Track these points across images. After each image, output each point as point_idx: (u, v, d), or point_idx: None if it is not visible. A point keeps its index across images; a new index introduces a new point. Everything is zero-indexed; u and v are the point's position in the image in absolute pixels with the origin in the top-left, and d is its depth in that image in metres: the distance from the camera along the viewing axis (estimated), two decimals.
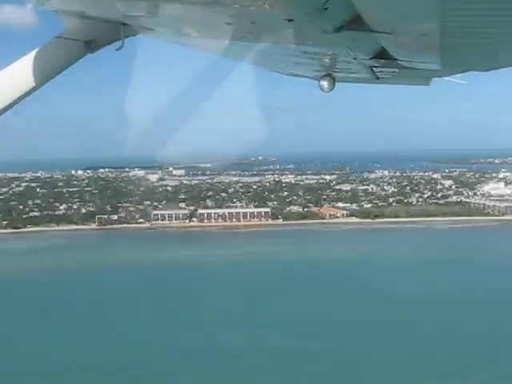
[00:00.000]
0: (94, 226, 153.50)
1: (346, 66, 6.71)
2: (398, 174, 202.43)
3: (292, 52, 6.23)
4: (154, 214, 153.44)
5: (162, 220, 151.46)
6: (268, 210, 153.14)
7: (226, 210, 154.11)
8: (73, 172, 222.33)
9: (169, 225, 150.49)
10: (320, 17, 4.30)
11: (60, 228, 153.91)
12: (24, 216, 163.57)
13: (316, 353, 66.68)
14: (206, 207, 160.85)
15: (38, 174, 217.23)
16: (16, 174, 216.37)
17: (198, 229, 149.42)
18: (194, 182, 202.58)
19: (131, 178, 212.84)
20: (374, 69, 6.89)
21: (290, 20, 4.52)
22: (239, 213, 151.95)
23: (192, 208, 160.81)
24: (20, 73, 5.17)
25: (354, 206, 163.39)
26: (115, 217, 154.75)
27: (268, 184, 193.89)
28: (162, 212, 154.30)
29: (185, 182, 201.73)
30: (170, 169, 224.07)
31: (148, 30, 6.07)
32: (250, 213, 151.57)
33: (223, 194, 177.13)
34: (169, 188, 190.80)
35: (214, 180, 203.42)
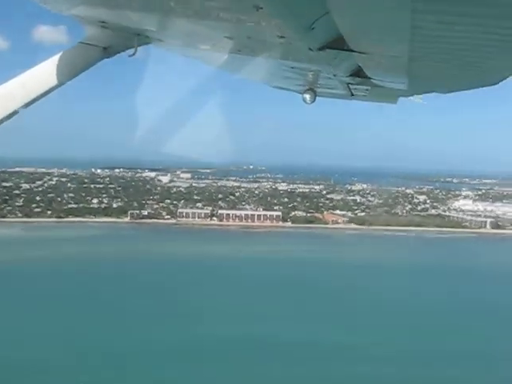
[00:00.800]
0: (127, 219, 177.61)
1: (326, 81, 7.47)
2: (375, 187, 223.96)
3: (281, 66, 6.81)
4: (180, 212, 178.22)
5: (186, 217, 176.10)
6: (279, 213, 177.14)
7: (243, 212, 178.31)
8: (92, 170, 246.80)
9: (192, 222, 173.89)
10: (307, 35, 4.87)
11: (97, 220, 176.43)
12: (63, 207, 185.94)
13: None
14: (221, 208, 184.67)
15: (63, 171, 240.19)
16: (44, 170, 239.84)
17: (217, 227, 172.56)
18: (201, 184, 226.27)
19: (146, 178, 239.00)
20: (349, 86, 7.66)
21: (281, 37, 5.03)
22: (254, 215, 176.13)
23: (210, 208, 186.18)
24: (46, 72, 5.90)
25: (349, 213, 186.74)
26: (145, 212, 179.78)
27: (267, 190, 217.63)
28: (187, 210, 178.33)
29: (194, 184, 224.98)
30: (178, 172, 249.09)
31: (159, 41, 6.58)
32: (263, 215, 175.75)
33: (232, 197, 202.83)
34: (181, 189, 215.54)
35: (219, 184, 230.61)
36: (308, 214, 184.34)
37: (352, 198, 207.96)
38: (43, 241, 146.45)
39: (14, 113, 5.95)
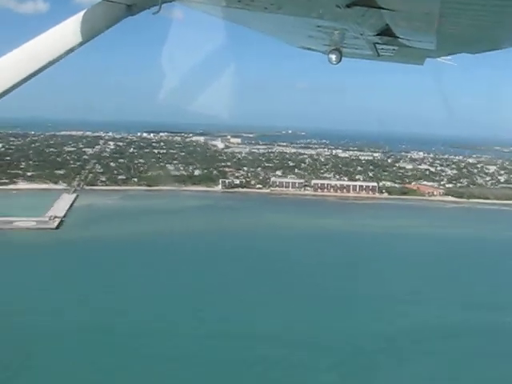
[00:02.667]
0: (218, 188, 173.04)
1: (352, 41, 7.24)
2: (431, 155, 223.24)
3: (307, 25, 6.67)
4: (273, 182, 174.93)
5: (279, 187, 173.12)
6: (375, 184, 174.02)
7: (338, 182, 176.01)
8: (139, 134, 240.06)
9: (286, 191, 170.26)
10: None
11: (188, 188, 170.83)
12: (144, 174, 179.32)
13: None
14: (318, 178, 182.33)
15: (110, 134, 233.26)
16: (89, 133, 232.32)
17: (312, 197, 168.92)
18: (261, 150, 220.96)
19: (198, 143, 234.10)
20: (376, 45, 7.48)
21: None
22: (349, 185, 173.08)
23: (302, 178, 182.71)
24: (69, 30, 5.89)
25: (435, 184, 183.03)
26: (237, 181, 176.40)
27: (322, 158, 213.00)
28: (280, 179, 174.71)
29: (253, 150, 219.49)
30: (228, 137, 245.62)
31: None
32: (359, 186, 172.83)
33: (304, 165, 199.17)
34: (244, 155, 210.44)
35: (274, 150, 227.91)
36: (397, 185, 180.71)
37: (423, 167, 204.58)
38: (152, 212, 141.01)
39: (39, 71, 5.93)
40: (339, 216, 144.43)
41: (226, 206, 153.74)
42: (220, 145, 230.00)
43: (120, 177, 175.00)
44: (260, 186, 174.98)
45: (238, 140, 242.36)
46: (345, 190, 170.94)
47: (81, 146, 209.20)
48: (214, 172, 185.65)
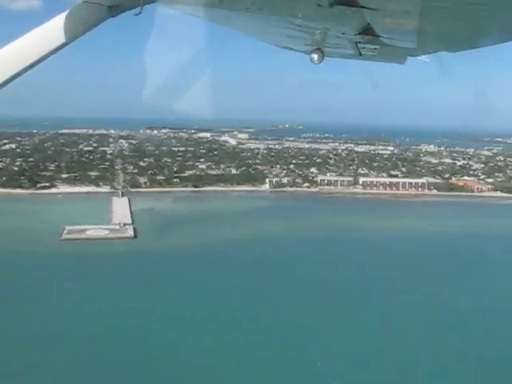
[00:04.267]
0: (265, 187, 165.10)
1: (334, 40, 7.31)
2: (442, 148, 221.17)
3: (288, 25, 6.66)
4: (321, 180, 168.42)
5: (328, 185, 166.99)
6: (424, 181, 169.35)
7: (387, 179, 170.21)
8: (141, 131, 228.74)
9: (334, 190, 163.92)
10: None
11: (236, 188, 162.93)
12: (182, 174, 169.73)
13: None
14: (353, 174, 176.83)
15: (115, 131, 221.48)
16: (91, 131, 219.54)
17: (365, 196, 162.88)
18: (276, 146, 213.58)
19: (208, 140, 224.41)
20: (358, 45, 7.54)
21: None
22: (398, 182, 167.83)
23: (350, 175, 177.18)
24: (50, 31, 5.78)
25: (475, 180, 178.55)
26: (284, 180, 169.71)
27: (343, 153, 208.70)
28: (328, 178, 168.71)
29: (270, 146, 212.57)
30: (235, 132, 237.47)
31: None
32: (408, 183, 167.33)
33: (330, 161, 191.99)
34: (263, 151, 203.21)
35: (286, 145, 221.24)
36: (438, 181, 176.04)
37: (447, 160, 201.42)
38: (216, 216, 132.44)
39: (19, 74, 5.87)
40: (411, 215, 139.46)
41: (286, 206, 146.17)
42: (231, 141, 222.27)
43: (159, 177, 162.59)
44: (307, 184, 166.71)
45: (246, 135, 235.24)
46: (394, 188, 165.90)
47: (94, 144, 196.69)
48: (250, 170, 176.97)
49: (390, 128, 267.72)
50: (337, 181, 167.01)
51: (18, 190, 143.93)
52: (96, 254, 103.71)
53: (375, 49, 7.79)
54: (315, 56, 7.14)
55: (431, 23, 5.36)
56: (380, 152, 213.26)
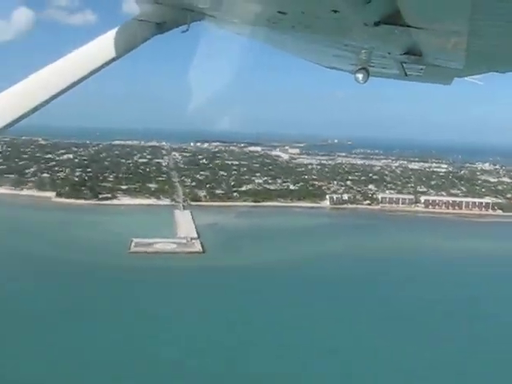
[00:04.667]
0: (325, 203, 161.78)
1: (380, 60, 7.29)
2: (506, 167, 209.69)
3: (334, 44, 6.71)
4: (382, 197, 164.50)
5: (389, 203, 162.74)
6: (489, 201, 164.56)
7: (450, 198, 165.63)
8: (192, 144, 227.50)
9: (396, 208, 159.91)
10: (363, 10, 4.83)
11: (296, 204, 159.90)
12: (239, 189, 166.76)
13: None
14: (410, 192, 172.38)
15: (164, 144, 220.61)
16: (143, 143, 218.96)
17: (428, 215, 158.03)
18: (329, 162, 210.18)
19: (261, 154, 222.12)
20: (404, 65, 7.45)
21: (336, 11, 4.98)
22: (461, 202, 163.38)
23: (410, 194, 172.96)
24: (102, 46, 6.02)
25: None
26: (345, 197, 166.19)
27: (397, 170, 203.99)
28: (390, 196, 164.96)
29: (323, 161, 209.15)
30: (287, 147, 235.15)
31: (211, 17, 6.64)
32: (472, 202, 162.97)
33: (386, 178, 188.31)
34: (317, 167, 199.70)
35: (338, 161, 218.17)
36: (500, 200, 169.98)
37: (505, 179, 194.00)
38: (281, 232, 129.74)
39: (71, 86, 5.91)
40: (480, 236, 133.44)
41: (350, 224, 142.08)
42: (284, 155, 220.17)
43: (217, 191, 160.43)
44: (368, 201, 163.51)
45: (297, 150, 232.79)
46: (457, 207, 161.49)
47: (148, 156, 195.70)
48: (308, 186, 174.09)
49: (440, 144, 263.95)
50: (398, 199, 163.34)
51: (81, 201, 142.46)
52: (167, 269, 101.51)
53: (421, 69, 7.67)
54: (360, 76, 7.09)
55: (479, 43, 5.17)
56: (435, 170, 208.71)
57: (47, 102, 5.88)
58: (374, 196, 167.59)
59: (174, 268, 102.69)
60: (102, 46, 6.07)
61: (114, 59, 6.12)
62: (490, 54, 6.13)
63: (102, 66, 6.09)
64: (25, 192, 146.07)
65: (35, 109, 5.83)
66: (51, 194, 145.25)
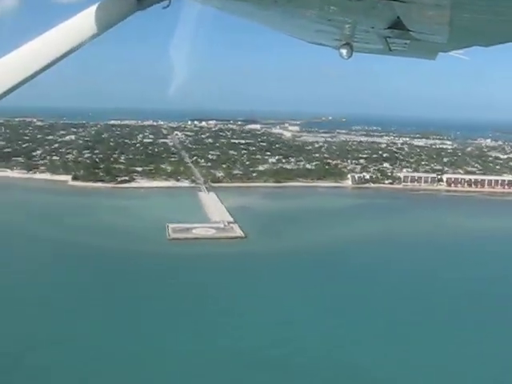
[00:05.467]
0: (347, 183, 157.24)
1: (363, 35, 7.23)
2: (509, 143, 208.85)
3: (317, 19, 6.60)
4: (405, 176, 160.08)
5: (411, 182, 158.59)
6: (511, 178, 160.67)
7: (472, 177, 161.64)
8: (189, 122, 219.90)
9: (418, 187, 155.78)
10: None
11: (318, 184, 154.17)
12: (256, 168, 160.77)
13: None
14: (426, 170, 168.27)
15: (161, 123, 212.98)
16: (132, 121, 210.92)
17: (452, 193, 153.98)
18: (333, 139, 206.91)
19: (262, 132, 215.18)
20: (388, 40, 7.36)
21: None
22: (484, 180, 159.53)
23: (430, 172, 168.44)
24: (80, 23, 5.87)
25: None
26: (367, 176, 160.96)
27: (404, 147, 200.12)
28: (412, 174, 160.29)
29: (328, 139, 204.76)
30: (286, 125, 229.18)
31: None
32: (494, 180, 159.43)
33: (398, 156, 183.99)
34: (323, 144, 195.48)
35: (341, 139, 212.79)
36: None
37: None
38: (314, 213, 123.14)
39: (46, 67, 5.76)
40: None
41: (378, 204, 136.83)
42: (286, 133, 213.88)
43: (235, 171, 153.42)
44: (390, 181, 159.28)
45: (297, 128, 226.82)
46: (479, 185, 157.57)
47: (151, 136, 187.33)
48: (324, 165, 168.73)
49: (436, 121, 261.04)
50: (420, 177, 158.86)
51: (99, 184, 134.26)
52: (217, 256, 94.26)
53: (405, 44, 7.48)
54: (344, 51, 7.13)
55: (463, 16, 5.09)
56: (440, 146, 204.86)
57: (27, 80, 5.64)
58: (394, 175, 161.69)
59: (220, 254, 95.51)
60: (82, 23, 5.85)
61: (93, 36, 5.92)
62: (472, 27, 5.88)
63: (82, 44, 5.90)
64: (38, 176, 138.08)
65: (14, 87, 5.59)
66: (66, 178, 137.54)
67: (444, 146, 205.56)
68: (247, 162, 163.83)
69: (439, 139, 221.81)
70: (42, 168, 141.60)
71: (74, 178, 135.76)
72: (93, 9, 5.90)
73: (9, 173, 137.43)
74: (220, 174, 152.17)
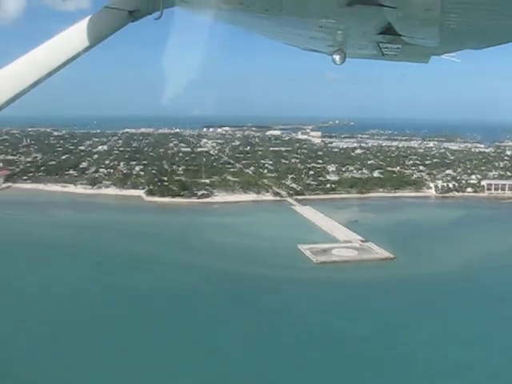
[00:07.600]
0: (430, 192, 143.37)
1: (356, 41, 7.27)
2: None
3: (309, 26, 6.57)
4: (488, 184, 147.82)
5: (495, 190, 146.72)
6: None
7: None
8: (205, 129, 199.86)
9: (502, 195, 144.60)
10: None
11: (401, 194, 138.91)
12: (322, 178, 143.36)
13: None
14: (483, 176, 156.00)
15: (178, 130, 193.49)
16: (148, 129, 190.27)
17: None
18: (362, 144, 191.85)
19: (289, 139, 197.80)
20: (380, 45, 7.33)
21: None
22: None
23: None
24: (74, 36, 5.84)
25: None
26: (450, 185, 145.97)
27: (445, 151, 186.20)
28: (496, 182, 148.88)
29: (362, 145, 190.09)
30: (308, 130, 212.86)
31: (184, 2, 6.49)
32: None
33: (447, 161, 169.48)
34: (360, 151, 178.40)
35: (374, 144, 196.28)
36: None
37: None
38: (426, 227, 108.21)
39: (41, 79, 5.74)
40: None
41: (485, 216, 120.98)
42: (313, 139, 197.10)
43: (306, 182, 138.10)
44: (470, 189, 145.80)
45: (319, 133, 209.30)
46: None
47: (182, 144, 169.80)
48: (393, 174, 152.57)
49: (446, 124, 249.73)
50: (504, 185, 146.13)
51: (178, 199, 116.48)
52: (378, 282, 78.49)
53: (397, 48, 7.48)
54: (337, 57, 7.14)
55: (453, 20, 5.08)
56: (479, 150, 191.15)
57: (23, 92, 5.64)
58: (473, 182, 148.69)
59: (380, 280, 79.66)
60: (75, 35, 5.82)
61: (87, 48, 5.90)
62: (463, 31, 5.88)
63: (76, 56, 5.87)
64: (104, 191, 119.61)
65: (11, 100, 5.56)
66: (137, 192, 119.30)
67: (481, 150, 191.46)
68: (311, 172, 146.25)
69: (471, 142, 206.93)
70: (106, 182, 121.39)
71: (150, 194, 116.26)
72: (85, 21, 5.81)
73: (72, 188, 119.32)
74: (295, 184, 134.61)
